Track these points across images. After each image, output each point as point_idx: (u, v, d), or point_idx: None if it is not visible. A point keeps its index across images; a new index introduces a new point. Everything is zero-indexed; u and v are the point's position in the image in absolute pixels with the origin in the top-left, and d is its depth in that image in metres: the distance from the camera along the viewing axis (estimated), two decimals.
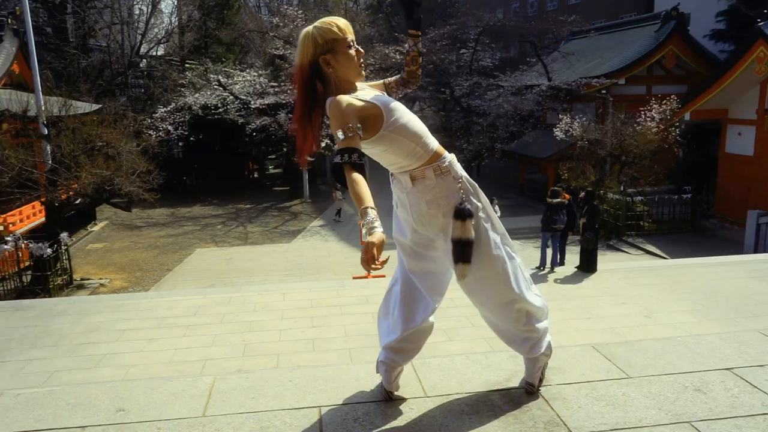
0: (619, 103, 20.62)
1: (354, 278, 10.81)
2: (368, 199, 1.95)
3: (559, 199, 9.98)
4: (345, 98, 2.10)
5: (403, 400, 2.44)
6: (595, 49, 25.30)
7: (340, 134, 2.02)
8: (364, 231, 1.90)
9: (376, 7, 44.41)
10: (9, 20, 16.49)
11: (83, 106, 14.77)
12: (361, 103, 2.12)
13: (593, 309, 7.37)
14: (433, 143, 2.31)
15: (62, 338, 6.57)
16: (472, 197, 2.30)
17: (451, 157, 2.34)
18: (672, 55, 21.23)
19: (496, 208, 15.72)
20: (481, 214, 2.31)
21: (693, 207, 17.49)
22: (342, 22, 2.19)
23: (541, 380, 2.54)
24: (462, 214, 2.21)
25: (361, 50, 2.24)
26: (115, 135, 12.43)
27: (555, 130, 19.32)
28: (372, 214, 1.91)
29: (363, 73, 2.26)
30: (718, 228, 17.35)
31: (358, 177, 1.97)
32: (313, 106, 2.22)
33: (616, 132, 17.60)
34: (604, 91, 21.14)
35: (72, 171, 11.15)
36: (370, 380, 2.59)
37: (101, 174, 11.14)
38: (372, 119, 2.12)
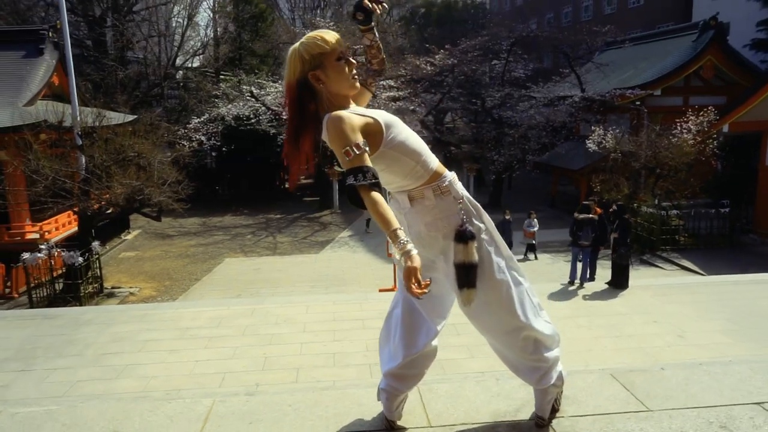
0: (654, 114, 20.17)
1: (380, 291, 10.74)
2: (394, 220, 1.88)
3: (584, 215, 9.78)
4: (344, 114, 2.01)
5: (404, 430, 2.34)
6: (630, 60, 24.84)
7: (351, 152, 1.92)
8: (398, 256, 1.84)
9: (408, 18, 44.57)
10: (50, 34, 16.98)
11: (117, 117, 15.07)
12: (361, 119, 2.03)
13: (623, 327, 7.15)
14: (434, 162, 2.21)
15: (87, 348, 6.65)
16: (474, 219, 2.20)
17: (451, 176, 2.23)
18: (710, 66, 20.70)
19: (534, 221, 15.45)
20: (484, 236, 2.20)
21: (731, 221, 16.92)
22: (329, 35, 2.09)
23: (555, 410, 2.41)
24: (464, 236, 2.11)
25: (353, 61, 2.14)
26: (146, 145, 12.62)
27: (587, 141, 18.97)
28: (403, 236, 1.85)
29: (357, 85, 2.15)
30: (757, 244, 16.75)
31: (378, 197, 1.88)
32: (302, 127, 2.12)
33: (650, 144, 17.17)
34: (638, 103, 20.70)
35: (103, 181, 11.35)
36: (373, 407, 2.50)
37: (132, 184, 11.32)
38: (372, 136, 2.03)
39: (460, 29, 33.66)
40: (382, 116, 2.10)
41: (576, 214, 9.90)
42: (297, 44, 2.10)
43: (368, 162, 1.92)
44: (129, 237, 19.83)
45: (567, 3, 40.15)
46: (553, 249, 16.54)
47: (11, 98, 14.44)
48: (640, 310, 7.79)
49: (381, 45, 2.32)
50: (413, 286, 1.78)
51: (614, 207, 9.90)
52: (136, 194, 11.75)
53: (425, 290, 1.78)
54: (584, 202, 10.49)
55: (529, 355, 2.25)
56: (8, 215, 14.35)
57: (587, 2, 37.70)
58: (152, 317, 7.72)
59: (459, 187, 2.23)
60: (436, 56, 24.84)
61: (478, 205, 2.25)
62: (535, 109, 23.55)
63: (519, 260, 14.47)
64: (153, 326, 7.35)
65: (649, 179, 17.64)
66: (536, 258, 15.79)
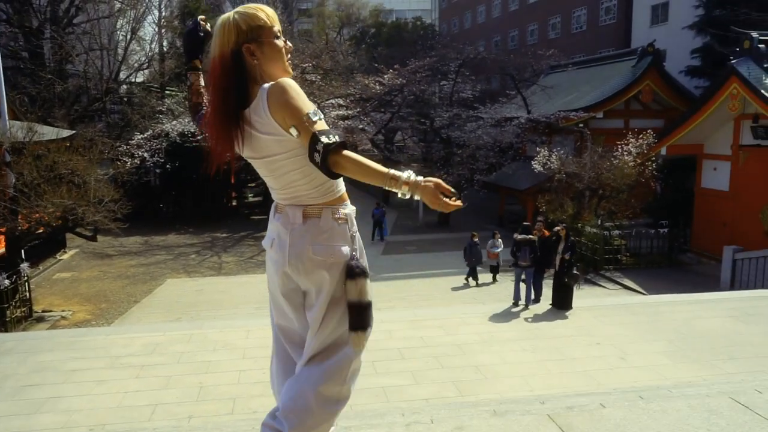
0: (597, 136, 20.74)
1: None
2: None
3: (523, 236, 9.86)
4: (292, 81, 1.86)
5: None
6: (573, 83, 25.57)
7: (318, 113, 1.80)
8: (407, 193, 1.74)
9: (359, 37, 44.87)
10: None
11: (51, 132, 14.37)
12: None
13: (566, 350, 7.14)
14: (343, 185, 2.07)
15: (5, 379, 6.17)
16: (360, 257, 2.06)
17: (352, 208, 2.10)
18: (649, 90, 21.47)
19: (499, 242, 15.40)
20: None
21: (670, 241, 17.49)
22: (269, 9, 1.95)
23: None
24: (353, 272, 1.96)
25: (290, 44, 2.00)
26: (82, 162, 12.07)
27: (533, 162, 19.31)
28: (401, 172, 1.75)
29: (290, 70, 2.00)
30: (694, 263, 17.33)
31: (356, 154, 1.76)
32: (233, 108, 1.91)
33: (593, 165, 17.62)
34: (582, 125, 21.26)
35: (32, 200, 10.75)
36: None
37: (64, 203, 10.76)
38: None
39: (410, 50, 34.07)
40: None
41: (515, 235, 9.98)
42: (230, 14, 1.92)
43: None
44: (65, 257, 18.94)
45: (514, 26, 41.19)
46: (501, 268, 16.64)
47: None
48: (583, 332, 7.82)
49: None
50: (448, 201, 1.69)
51: (563, 229, 9.88)
52: (68, 213, 11.18)
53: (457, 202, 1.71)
54: (524, 223, 10.58)
55: (313, 395, 2.04)
56: None
57: (533, 26, 38.76)
58: (81, 344, 7.27)
59: (354, 221, 2.10)
60: (386, 76, 24.98)
61: (362, 248, 2.11)
62: (482, 130, 23.90)
63: (485, 283, 14.24)
64: (81, 354, 6.91)
65: (592, 200, 18.06)
66: (495, 280, 15.55)
